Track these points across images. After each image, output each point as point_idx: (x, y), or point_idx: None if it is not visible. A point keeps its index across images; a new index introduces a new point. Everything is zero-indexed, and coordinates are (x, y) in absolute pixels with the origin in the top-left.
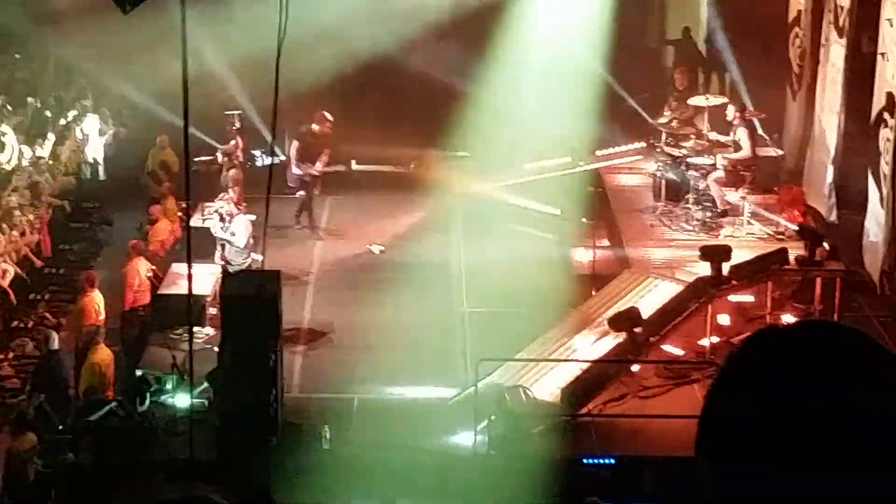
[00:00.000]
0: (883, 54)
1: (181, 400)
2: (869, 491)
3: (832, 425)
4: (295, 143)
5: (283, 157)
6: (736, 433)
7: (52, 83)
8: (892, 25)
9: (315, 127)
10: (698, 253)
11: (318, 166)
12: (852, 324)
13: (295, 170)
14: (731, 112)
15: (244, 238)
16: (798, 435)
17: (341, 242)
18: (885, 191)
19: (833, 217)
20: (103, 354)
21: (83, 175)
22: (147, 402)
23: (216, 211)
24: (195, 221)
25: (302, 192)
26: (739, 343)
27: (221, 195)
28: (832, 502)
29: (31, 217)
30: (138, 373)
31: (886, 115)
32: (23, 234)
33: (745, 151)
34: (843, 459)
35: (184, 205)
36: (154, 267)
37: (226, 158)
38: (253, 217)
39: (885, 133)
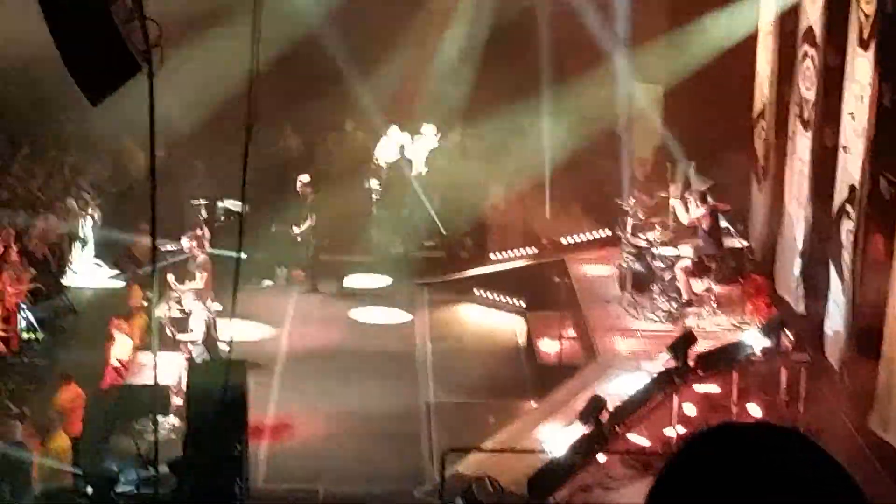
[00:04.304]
0: (845, 147)
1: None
2: None
3: None
4: None
5: None
6: None
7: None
8: (853, 119)
9: None
10: (666, 343)
11: None
12: (792, 426)
13: None
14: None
15: (201, 333)
16: None
17: (308, 330)
18: (846, 281)
19: (801, 308)
20: (61, 442)
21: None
22: (110, 490)
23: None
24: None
25: None
26: (682, 442)
27: (187, 283)
28: None
29: None
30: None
31: (848, 207)
32: None
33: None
34: None
35: (149, 294)
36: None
37: (193, 244)
38: (220, 307)
39: (846, 225)
